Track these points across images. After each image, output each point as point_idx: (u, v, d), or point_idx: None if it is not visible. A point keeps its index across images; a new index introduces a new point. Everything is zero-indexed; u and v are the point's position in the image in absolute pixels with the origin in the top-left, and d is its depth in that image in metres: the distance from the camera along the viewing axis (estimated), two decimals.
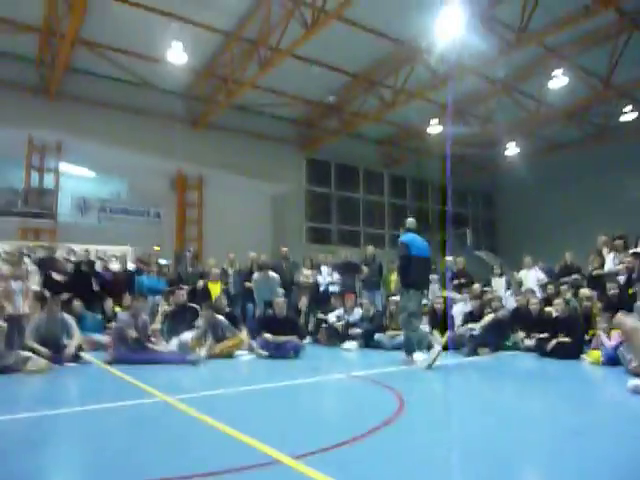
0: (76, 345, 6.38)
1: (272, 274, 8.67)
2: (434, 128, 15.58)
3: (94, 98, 12.69)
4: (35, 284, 8.13)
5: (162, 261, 10.37)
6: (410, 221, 6.30)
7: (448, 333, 7.50)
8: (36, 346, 6.04)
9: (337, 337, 8.18)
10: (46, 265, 8.88)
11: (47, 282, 8.47)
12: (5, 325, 6.16)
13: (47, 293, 7.84)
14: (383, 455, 2.61)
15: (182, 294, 8.01)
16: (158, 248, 11.14)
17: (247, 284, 9.50)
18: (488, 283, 9.79)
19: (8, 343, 6.20)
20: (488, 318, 7.44)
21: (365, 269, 9.53)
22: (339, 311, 8.47)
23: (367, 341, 7.90)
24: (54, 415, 3.83)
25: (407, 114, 14.93)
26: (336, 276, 9.69)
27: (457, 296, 9.15)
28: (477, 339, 7.08)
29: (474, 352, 6.88)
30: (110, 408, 4.05)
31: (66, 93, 12.36)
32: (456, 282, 9.72)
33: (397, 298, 8.59)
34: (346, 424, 3.41)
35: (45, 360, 5.73)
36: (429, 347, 5.80)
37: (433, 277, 10.55)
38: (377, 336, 7.82)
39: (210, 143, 14.53)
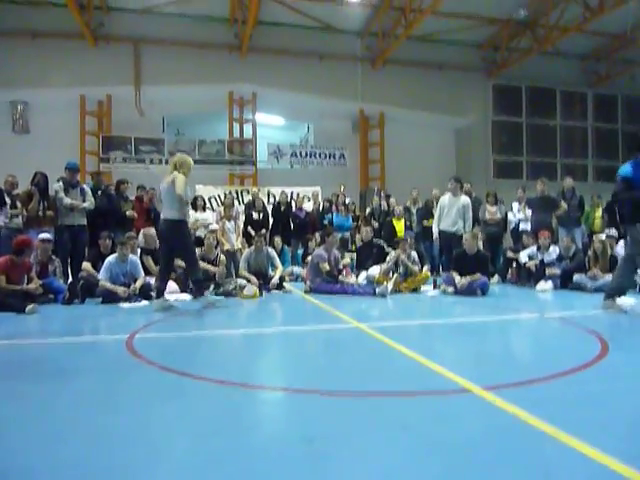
0: (279, 276, 7.25)
1: None
2: None
3: (281, 48, 13.45)
4: (241, 223, 9.36)
5: (347, 200, 10.88)
6: None
7: None
8: (248, 275, 7.04)
9: (529, 277, 7.69)
10: (249, 207, 10.09)
11: (250, 221, 9.65)
12: (224, 258, 7.31)
13: (251, 230, 8.97)
14: (580, 396, 2.46)
15: (368, 230, 8.36)
16: (343, 188, 11.65)
17: (424, 222, 9.46)
18: None
19: (227, 272, 7.38)
20: None
21: (564, 204, 8.59)
22: (531, 249, 7.89)
23: (564, 282, 7.26)
24: (265, 332, 4.49)
25: (618, 19, 12.47)
26: (528, 212, 8.96)
27: None
28: None
29: None
30: (310, 330, 4.57)
31: (257, 47, 13.32)
32: None
33: (603, 236, 7.66)
34: (539, 362, 3.26)
35: (256, 288, 6.67)
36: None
37: None
38: (576, 277, 7.12)
39: (390, 80, 14.33)
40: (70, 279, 6.66)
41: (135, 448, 1.88)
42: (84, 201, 6.99)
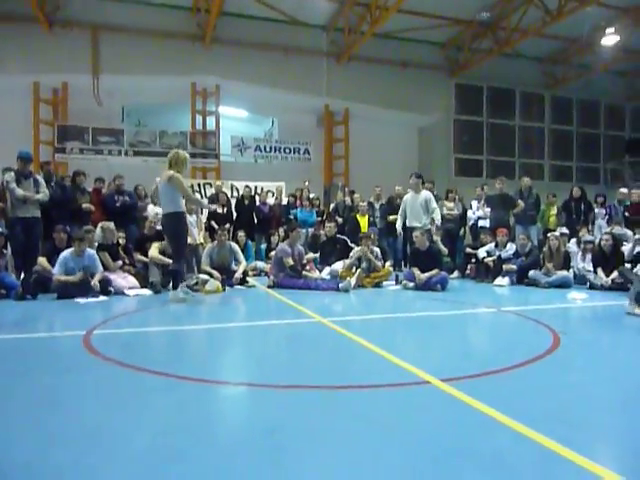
0: (243, 270, 7.20)
1: None
2: (609, 38, 13.30)
3: (246, 40, 13.25)
4: (204, 217, 9.23)
5: (312, 195, 10.89)
6: None
7: (614, 274, 6.74)
8: (211, 270, 6.96)
9: (487, 273, 7.92)
10: (213, 200, 9.95)
11: (213, 215, 9.53)
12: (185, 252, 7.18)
13: (214, 224, 8.87)
14: (533, 387, 2.56)
15: (332, 226, 8.40)
16: (308, 183, 11.64)
17: (389, 217, 9.54)
18: None
19: (188, 267, 7.25)
20: None
21: (521, 203, 8.88)
22: (489, 246, 8.12)
23: (520, 278, 7.51)
24: (227, 327, 4.45)
25: (575, 24, 12.93)
26: (487, 210, 9.22)
27: (629, 233, 8.12)
28: None
29: None
30: (273, 324, 4.57)
31: (221, 38, 13.08)
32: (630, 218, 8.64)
33: (557, 234, 7.96)
34: (495, 355, 3.38)
35: (218, 282, 6.59)
36: None
37: (600, 211, 9.50)
38: (532, 273, 7.37)
39: (354, 76, 14.39)
40: (23, 274, 6.39)
41: (91, 448, 1.83)
42: (38, 192, 6.70)
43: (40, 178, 6.99)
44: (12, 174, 6.61)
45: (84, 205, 7.67)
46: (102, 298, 5.80)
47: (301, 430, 1.99)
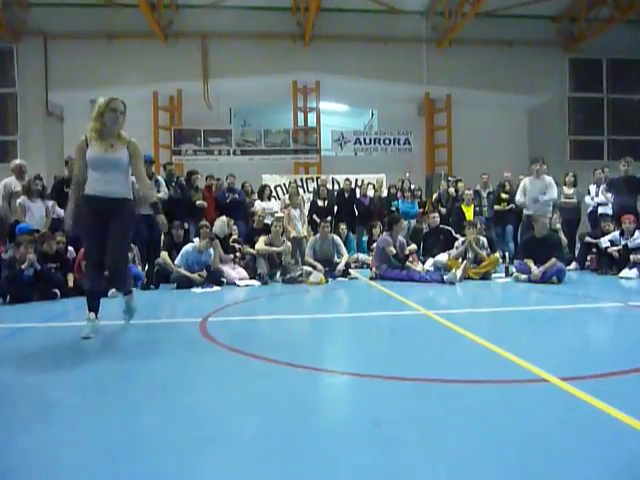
0: (345, 262, 7.26)
1: None
2: None
3: (344, 34, 13.31)
4: (307, 211, 9.46)
5: (413, 186, 10.66)
6: None
7: None
8: (314, 262, 7.11)
9: (611, 264, 7.19)
10: (315, 194, 10.16)
11: (314, 208, 9.72)
12: (290, 245, 7.43)
13: (316, 218, 9.04)
14: None
15: (433, 217, 8.17)
16: (409, 174, 11.41)
17: (496, 207, 9.08)
18: None
19: (293, 259, 7.49)
20: None
21: None
22: (613, 235, 7.36)
23: None
24: (331, 318, 4.52)
25: None
26: (609, 195, 8.35)
27: None
28: None
29: None
30: (377, 316, 4.56)
31: (319, 34, 13.26)
32: None
33: None
34: (622, 354, 3.04)
35: (322, 274, 6.72)
36: None
37: None
38: None
39: (456, 60, 13.79)
40: (147, 266, 7.03)
41: (207, 423, 1.96)
42: (158, 192, 7.30)
43: (161, 179, 7.62)
44: None
45: (198, 202, 8.22)
46: (215, 288, 6.20)
47: (408, 422, 1.96)
